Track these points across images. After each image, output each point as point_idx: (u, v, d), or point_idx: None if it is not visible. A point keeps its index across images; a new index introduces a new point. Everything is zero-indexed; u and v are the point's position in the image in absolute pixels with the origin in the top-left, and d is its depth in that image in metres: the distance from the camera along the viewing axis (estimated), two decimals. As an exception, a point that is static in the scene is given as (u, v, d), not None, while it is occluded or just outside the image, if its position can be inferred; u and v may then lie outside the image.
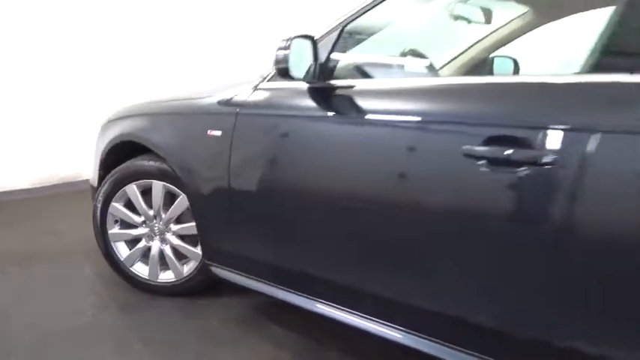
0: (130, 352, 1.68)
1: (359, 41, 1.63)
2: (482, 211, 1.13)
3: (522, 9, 2.08)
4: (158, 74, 4.32)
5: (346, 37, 1.51)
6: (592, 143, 0.96)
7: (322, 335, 1.75)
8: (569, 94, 1.07)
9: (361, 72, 1.57)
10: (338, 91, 1.45)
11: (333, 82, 1.47)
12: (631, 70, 0.99)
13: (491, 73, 2.05)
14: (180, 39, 4.49)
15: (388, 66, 1.67)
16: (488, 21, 1.94)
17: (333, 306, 1.50)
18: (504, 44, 1.98)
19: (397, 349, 1.35)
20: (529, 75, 1.67)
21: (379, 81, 1.51)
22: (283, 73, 1.36)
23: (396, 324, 1.36)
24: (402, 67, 1.63)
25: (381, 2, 1.43)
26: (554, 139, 1.02)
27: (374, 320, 1.39)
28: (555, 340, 1.07)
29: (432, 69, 1.83)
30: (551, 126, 1.02)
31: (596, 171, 0.98)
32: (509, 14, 2.08)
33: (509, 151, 1.06)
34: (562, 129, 1.01)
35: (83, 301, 2.04)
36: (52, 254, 2.50)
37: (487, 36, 2.12)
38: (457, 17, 1.92)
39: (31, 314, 1.91)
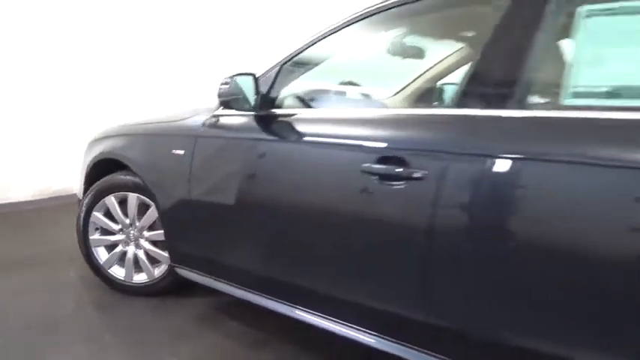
0: (99, 342, 1.94)
1: (307, 70, 1.91)
2: (391, 222, 1.39)
3: (458, 45, 2.39)
4: (149, 94, 4.64)
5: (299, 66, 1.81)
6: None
7: (274, 329, 2.01)
8: (439, 125, 1.35)
9: (300, 101, 1.86)
10: (276, 119, 1.74)
11: (274, 110, 1.76)
12: (483, 106, 1.28)
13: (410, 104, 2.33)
14: (172, 61, 4.82)
15: (322, 96, 1.96)
16: (420, 57, 2.24)
17: (277, 301, 1.76)
18: (432, 77, 2.28)
19: (341, 341, 1.60)
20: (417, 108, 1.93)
21: (309, 110, 1.80)
22: (224, 105, 1.66)
23: (331, 316, 1.60)
24: (332, 97, 1.91)
25: (313, 44, 1.74)
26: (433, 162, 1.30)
27: (315, 313, 1.64)
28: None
29: (361, 98, 2.12)
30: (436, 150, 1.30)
31: (459, 185, 1.25)
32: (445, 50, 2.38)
33: (399, 169, 1.34)
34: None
35: (65, 299, 2.31)
36: (42, 260, 2.77)
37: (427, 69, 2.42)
38: (393, 53, 2.22)
39: (20, 308, 2.18)
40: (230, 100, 1.66)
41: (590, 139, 1.11)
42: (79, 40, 4.27)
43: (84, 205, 2.35)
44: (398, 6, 1.57)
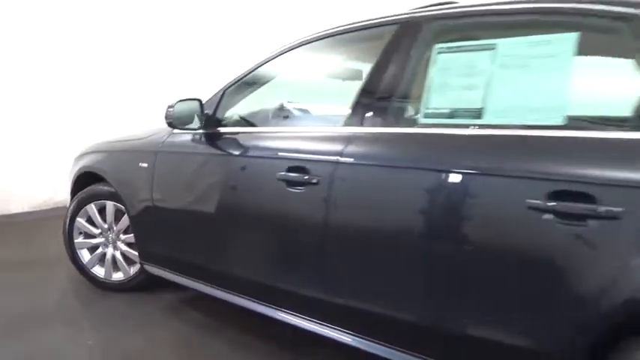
0: (77, 326, 2.29)
1: (248, 93, 2.24)
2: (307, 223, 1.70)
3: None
4: (152, 108, 4.99)
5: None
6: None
7: (225, 315, 2.32)
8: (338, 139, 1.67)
9: (243, 120, 2.19)
10: (220, 136, 2.07)
11: (219, 129, 2.09)
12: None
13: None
14: (176, 77, 5.15)
15: (259, 115, 2.29)
16: (359, 78, 2.55)
17: (226, 291, 2.07)
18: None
19: (275, 322, 1.92)
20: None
21: (246, 128, 2.11)
22: (170, 125, 2.00)
23: (264, 301, 1.91)
24: (268, 116, 2.24)
25: (252, 71, 2.08)
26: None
27: (251, 299, 1.94)
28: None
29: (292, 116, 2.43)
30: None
31: (343, 186, 1.56)
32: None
33: (302, 176, 1.66)
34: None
35: (53, 294, 2.66)
36: (36, 262, 3.13)
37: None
38: (333, 76, 2.54)
39: (12, 301, 2.53)
40: (173, 121, 2.01)
41: (433, 151, 1.43)
42: (82, 54, 4.67)
43: (69, 212, 2.70)
44: (330, 36, 1.91)
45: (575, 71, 1.25)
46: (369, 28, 1.80)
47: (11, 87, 4.35)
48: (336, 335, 1.67)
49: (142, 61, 5.05)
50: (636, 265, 1.06)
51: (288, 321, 1.82)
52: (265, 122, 2.19)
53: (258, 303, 1.93)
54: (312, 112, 2.24)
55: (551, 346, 1.20)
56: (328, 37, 1.94)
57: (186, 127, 2.03)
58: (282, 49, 2.04)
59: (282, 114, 2.21)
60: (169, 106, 1.99)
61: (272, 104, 2.34)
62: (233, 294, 2.01)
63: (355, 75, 2.55)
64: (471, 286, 1.34)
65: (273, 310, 1.88)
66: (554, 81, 1.28)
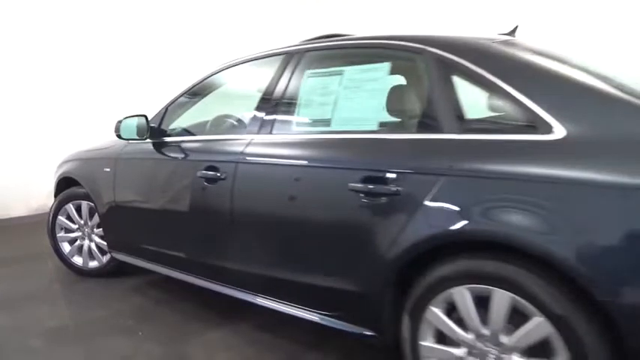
0: (56, 303, 2.80)
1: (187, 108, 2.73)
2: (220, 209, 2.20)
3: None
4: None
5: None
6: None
7: (179, 292, 2.82)
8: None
9: (184, 131, 2.69)
10: (163, 144, 2.57)
11: (163, 138, 2.60)
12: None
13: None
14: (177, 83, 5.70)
15: (195, 127, 2.79)
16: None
17: (171, 269, 2.57)
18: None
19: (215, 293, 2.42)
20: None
21: (183, 138, 2.60)
22: (118, 137, 2.52)
23: (201, 275, 2.41)
24: (203, 127, 2.74)
25: (187, 91, 2.59)
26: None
27: (213, 279, 2.40)
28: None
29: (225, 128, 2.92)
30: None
31: (242, 180, 2.06)
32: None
33: (214, 173, 2.15)
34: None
35: (41, 280, 3.18)
36: (30, 257, 3.67)
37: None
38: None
39: (7, 286, 3.05)
40: (121, 134, 2.52)
41: (300, 151, 1.92)
42: (80, 63, 5.19)
43: (52, 211, 3.23)
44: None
45: (387, 90, 1.74)
46: (269, 57, 2.30)
47: (9, 96, 4.91)
48: (233, 292, 2.21)
49: (138, 69, 5.54)
50: (410, 225, 1.54)
51: (216, 289, 2.32)
52: (200, 132, 2.68)
53: (194, 276, 2.43)
54: (230, 122, 2.73)
55: (365, 285, 1.69)
56: (242, 62, 2.44)
57: (133, 138, 2.54)
58: (207, 74, 2.55)
59: (208, 125, 2.71)
60: (118, 121, 2.51)
61: (204, 117, 2.84)
62: (176, 271, 2.51)
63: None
64: (317, 247, 1.84)
65: (206, 281, 2.37)
66: (374, 98, 1.78)
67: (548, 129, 1.39)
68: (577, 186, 1.28)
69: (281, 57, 2.20)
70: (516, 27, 2.17)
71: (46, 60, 5.07)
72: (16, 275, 3.31)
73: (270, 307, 2.05)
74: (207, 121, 2.74)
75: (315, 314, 1.90)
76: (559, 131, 1.37)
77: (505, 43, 1.76)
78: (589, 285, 1.24)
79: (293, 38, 2.53)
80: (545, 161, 1.36)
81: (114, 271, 3.15)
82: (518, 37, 2.11)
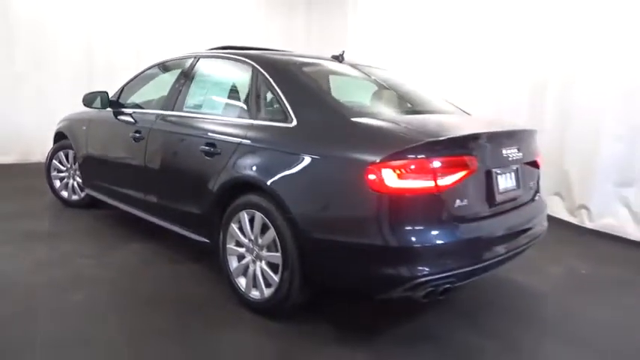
0: (43, 219, 3.96)
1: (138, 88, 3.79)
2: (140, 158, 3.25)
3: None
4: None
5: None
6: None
7: (124, 219, 3.92)
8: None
9: (134, 105, 3.74)
10: (118, 112, 3.63)
11: (119, 109, 3.66)
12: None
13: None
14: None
15: (140, 102, 3.83)
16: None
17: (117, 200, 3.65)
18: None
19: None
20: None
21: (135, 110, 3.65)
22: (85, 105, 3.60)
23: (130, 204, 3.48)
24: (144, 102, 3.78)
25: (137, 77, 3.64)
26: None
27: (138, 209, 3.49)
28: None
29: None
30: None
31: (153, 140, 3.10)
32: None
33: (138, 134, 3.19)
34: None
35: (40, 204, 4.37)
36: (38, 190, 4.87)
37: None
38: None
39: (13, 207, 4.25)
40: (87, 103, 3.60)
41: (184, 124, 2.94)
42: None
43: (48, 156, 4.39)
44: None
45: (225, 88, 2.74)
46: (183, 58, 3.31)
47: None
48: (144, 215, 3.29)
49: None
50: (223, 173, 2.54)
51: (137, 214, 3.39)
52: (142, 106, 3.70)
53: (125, 205, 3.51)
54: (155, 100, 3.71)
55: (203, 209, 2.70)
56: (169, 60, 3.47)
57: (94, 106, 3.61)
58: (149, 65, 3.59)
59: (145, 101, 3.75)
60: (85, 94, 3.59)
61: (147, 96, 3.89)
62: (117, 201, 3.61)
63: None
64: (182, 185, 2.88)
65: (131, 208, 3.45)
66: (220, 92, 2.78)
67: (290, 120, 2.35)
68: (291, 153, 2.25)
69: (189, 59, 3.21)
70: (343, 51, 3.07)
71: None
72: (24, 200, 4.53)
73: (160, 224, 3.11)
74: (149, 99, 3.79)
75: (182, 229, 2.95)
76: (294, 121, 2.33)
77: (310, 64, 2.72)
78: (286, 204, 2.22)
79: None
80: (284, 139, 2.33)
81: (90, 203, 4.29)
82: (347, 58, 3.05)
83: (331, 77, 2.90)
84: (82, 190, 4.28)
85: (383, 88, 2.96)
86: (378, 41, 7.01)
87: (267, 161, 2.36)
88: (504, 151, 2.34)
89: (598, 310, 2.71)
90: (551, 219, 4.62)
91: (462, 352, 2.22)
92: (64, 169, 4.35)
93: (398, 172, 1.96)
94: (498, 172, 2.29)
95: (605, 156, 4.14)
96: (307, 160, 2.21)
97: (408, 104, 2.93)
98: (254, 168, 2.40)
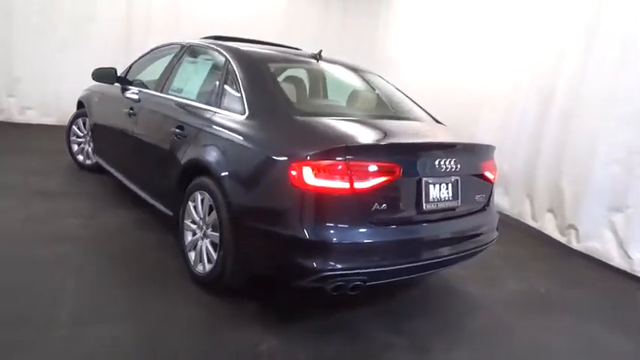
0: (57, 178, 4.38)
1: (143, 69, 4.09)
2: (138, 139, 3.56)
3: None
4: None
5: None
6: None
7: (120, 188, 4.28)
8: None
9: (140, 83, 4.03)
10: (126, 88, 3.94)
11: (127, 85, 3.97)
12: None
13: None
14: None
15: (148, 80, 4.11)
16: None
17: (113, 168, 4.00)
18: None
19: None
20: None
21: (140, 88, 3.94)
22: (96, 80, 3.93)
23: (122, 173, 3.81)
24: (146, 81, 4.06)
25: (141, 58, 3.94)
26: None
27: (125, 178, 3.83)
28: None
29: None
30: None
31: (143, 117, 3.38)
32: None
33: (132, 112, 3.49)
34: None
35: (57, 165, 4.83)
36: (62, 151, 5.35)
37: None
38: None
39: (34, 164, 4.72)
40: (96, 77, 3.93)
41: (166, 105, 3.20)
42: None
43: (69, 122, 4.81)
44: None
45: (202, 75, 2.96)
46: (178, 44, 3.55)
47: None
48: (129, 184, 3.59)
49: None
50: (186, 154, 2.77)
51: (125, 183, 3.71)
52: (144, 85, 3.99)
53: (118, 173, 3.84)
54: (152, 81, 3.98)
55: (170, 185, 2.95)
56: (168, 45, 3.73)
57: (103, 81, 3.95)
58: (152, 48, 3.87)
59: (145, 81, 4.02)
60: (94, 69, 3.93)
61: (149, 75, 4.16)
62: (113, 169, 3.95)
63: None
64: (156, 161, 3.15)
65: (123, 177, 3.77)
66: (197, 79, 3.00)
67: (244, 112, 2.53)
68: (237, 144, 2.44)
69: (180, 46, 3.45)
70: (321, 50, 3.19)
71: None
72: (46, 159, 5.02)
73: (138, 193, 3.41)
74: (149, 80, 4.07)
75: (154, 200, 3.22)
76: (246, 114, 2.51)
77: (280, 60, 2.88)
78: (226, 189, 2.41)
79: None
80: (235, 130, 2.52)
81: (101, 169, 4.68)
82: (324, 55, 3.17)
83: (299, 75, 3.04)
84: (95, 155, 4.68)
85: (353, 90, 3.07)
86: (405, 40, 7.07)
87: (219, 148, 2.56)
88: (440, 163, 2.41)
89: (535, 332, 2.73)
90: (541, 236, 4.64)
91: (368, 345, 2.35)
92: (82, 135, 4.76)
93: (316, 171, 2.10)
94: (430, 181, 2.37)
95: (600, 178, 4.03)
96: (249, 151, 2.39)
97: (372, 108, 3.03)
98: (209, 153, 2.61)
